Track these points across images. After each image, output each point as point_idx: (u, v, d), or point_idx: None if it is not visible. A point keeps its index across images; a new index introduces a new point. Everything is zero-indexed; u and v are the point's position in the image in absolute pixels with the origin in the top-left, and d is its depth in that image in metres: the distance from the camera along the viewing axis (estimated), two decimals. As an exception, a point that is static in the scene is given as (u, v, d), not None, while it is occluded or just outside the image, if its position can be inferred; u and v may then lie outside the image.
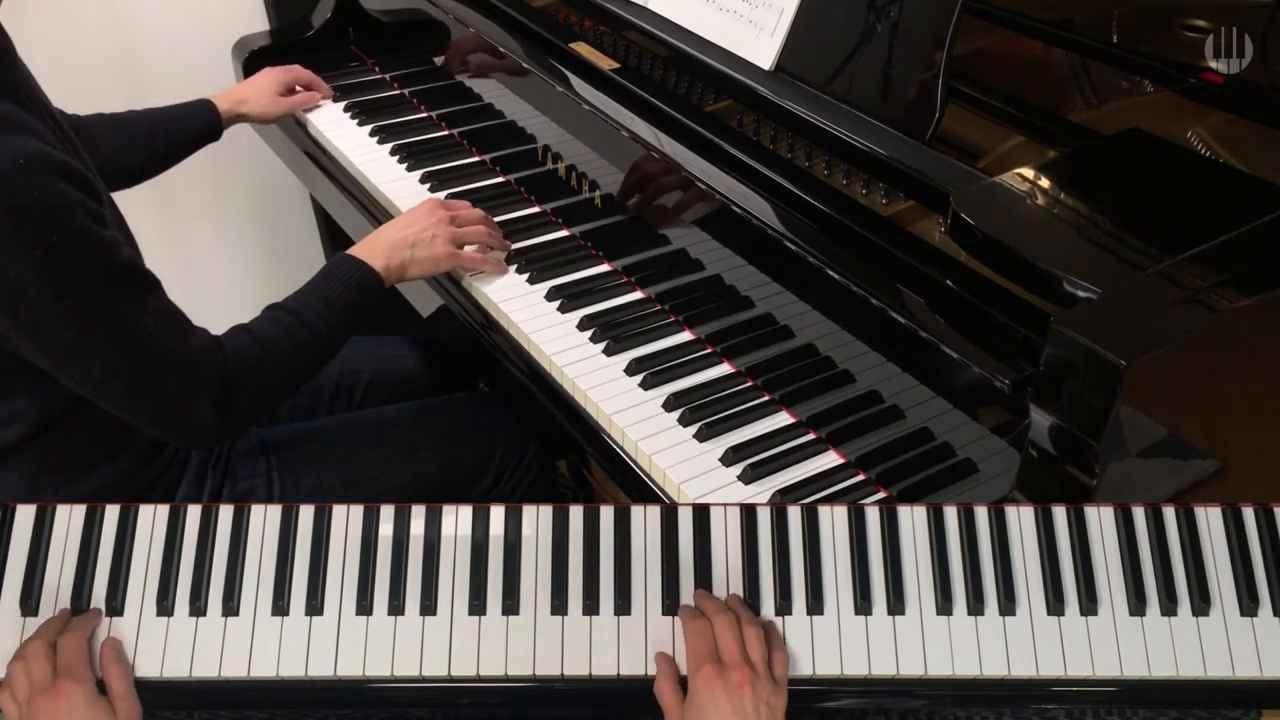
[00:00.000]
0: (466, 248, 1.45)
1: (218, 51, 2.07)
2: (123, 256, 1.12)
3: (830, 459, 1.20)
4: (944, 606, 0.98)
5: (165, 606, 1.00)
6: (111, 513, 1.03)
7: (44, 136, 1.08)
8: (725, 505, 1.02)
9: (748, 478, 1.17)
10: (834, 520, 1.01)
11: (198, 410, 1.18)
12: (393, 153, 1.76)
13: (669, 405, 1.26)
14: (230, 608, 1.00)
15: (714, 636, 0.94)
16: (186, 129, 1.69)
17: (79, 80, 2.05)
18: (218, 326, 1.24)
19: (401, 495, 1.41)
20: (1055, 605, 0.97)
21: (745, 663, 0.92)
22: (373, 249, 1.37)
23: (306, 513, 1.03)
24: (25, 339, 1.08)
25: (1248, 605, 0.97)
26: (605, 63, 1.50)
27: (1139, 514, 1.00)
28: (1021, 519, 1.00)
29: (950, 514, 1.01)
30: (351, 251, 1.38)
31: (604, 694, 0.99)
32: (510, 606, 1.00)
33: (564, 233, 1.57)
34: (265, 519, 1.03)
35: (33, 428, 1.20)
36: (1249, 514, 1.00)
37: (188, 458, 1.36)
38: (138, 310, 1.12)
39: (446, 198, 1.64)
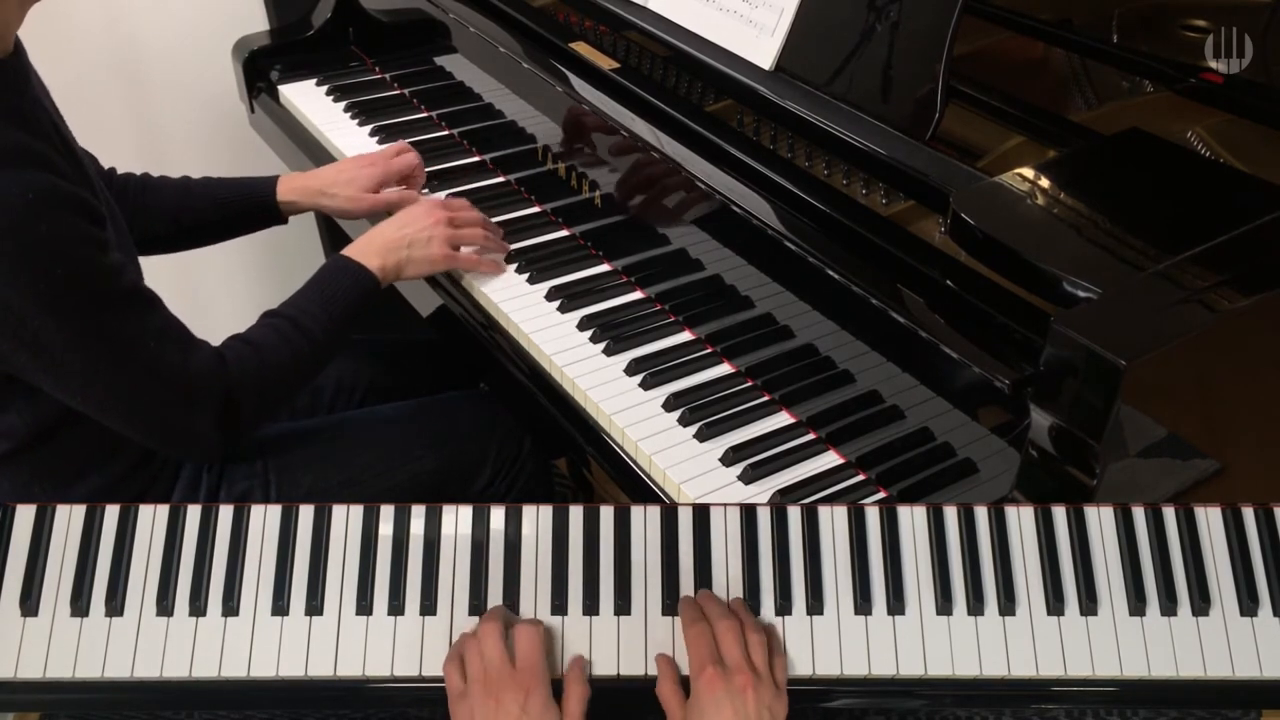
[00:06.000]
0: (464, 249, 1.45)
1: (218, 51, 2.07)
2: (125, 281, 1.13)
3: (830, 459, 1.20)
4: (944, 606, 0.97)
5: (165, 606, 1.00)
6: (111, 513, 1.03)
7: (55, 166, 1.09)
8: (725, 505, 1.02)
9: (748, 478, 1.17)
10: (834, 520, 1.01)
11: (200, 425, 1.19)
12: (393, 153, 1.76)
13: (669, 405, 1.26)
14: (230, 608, 1.00)
15: (716, 639, 0.94)
16: (239, 200, 1.57)
17: (79, 79, 2.05)
18: (216, 326, 1.24)
19: (398, 494, 1.41)
20: (1055, 605, 0.97)
21: (748, 666, 0.92)
22: (368, 248, 1.37)
23: (306, 513, 1.03)
24: (29, 364, 1.09)
25: (1248, 605, 0.97)
26: (605, 63, 1.50)
27: (1139, 514, 1.00)
28: (1021, 519, 1.00)
29: (950, 514, 1.01)
30: (347, 252, 1.37)
31: (604, 694, 0.98)
32: (510, 606, 0.99)
33: (564, 233, 1.57)
34: (265, 519, 1.03)
35: (24, 441, 1.21)
36: (1249, 514, 1.00)
37: (182, 463, 1.35)
38: (140, 332, 1.13)
39: (446, 197, 1.64)
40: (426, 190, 1.66)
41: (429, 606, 1.00)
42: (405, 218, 1.42)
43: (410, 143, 1.76)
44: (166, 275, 1.20)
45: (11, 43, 1.14)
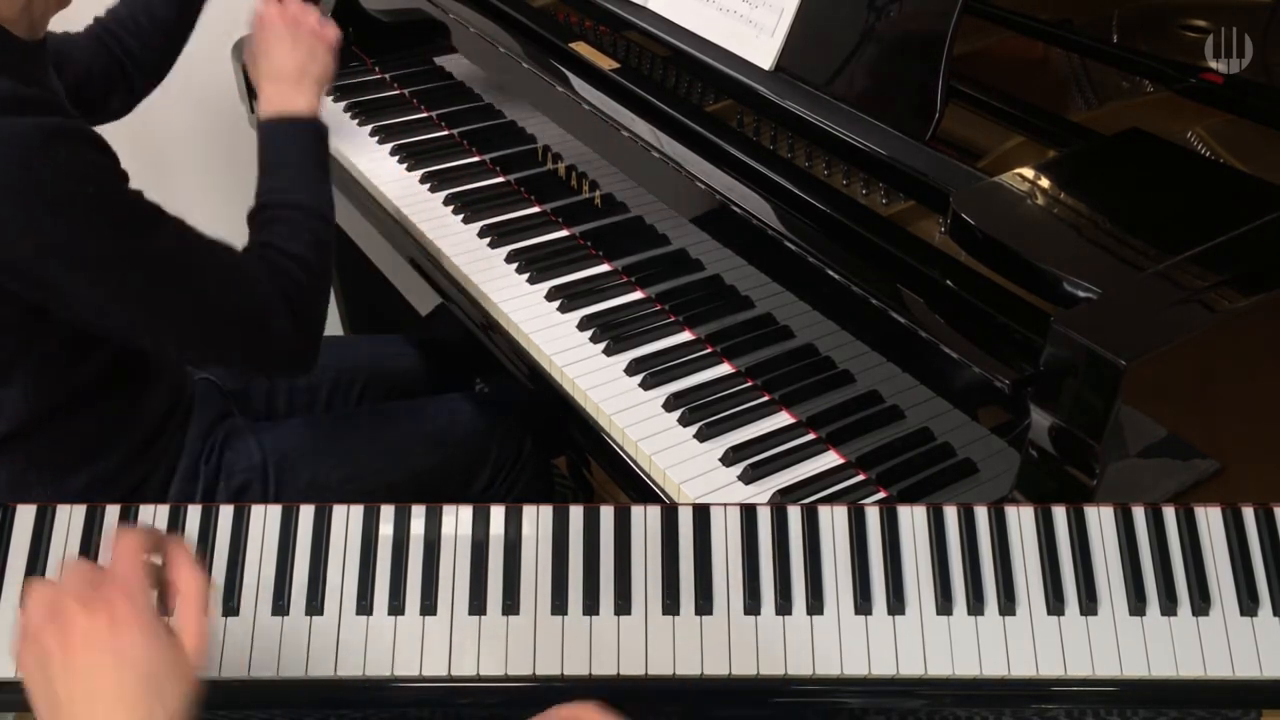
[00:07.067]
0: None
1: (218, 51, 2.06)
2: (150, 203, 1.13)
3: (830, 459, 1.20)
4: (944, 606, 0.97)
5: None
6: (112, 513, 1.03)
7: (67, 112, 1.09)
8: (725, 505, 1.02)
9: (748, 478, 1.17)
10: (834, 520, 1.01)
11: (278, 328, 1.18)
12: (393, 153, 1.76)
13: (669, 405, 1.26)
14: (230, 608, 1.00)
15: None
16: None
17: (79, 80, 2.05)
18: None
19: (398, 494, 1.40)
20: (1055, 605, 0.97)
21: None
22: (277, 95, 1.34)
23: (306, 513, 1.03)
24: (88, 296, 1.08)
25: (1248, 605, 0.97)
26: (605, 63, 1.50)
27: (1139, 514, 1.00)
28: (1021, 519, 1.00)
29: (950, 514, 1.01)
30: (269, 112, 1.33)
31: (603, 694, 0.98)
32: (510, 606, 1.00)
33: (564, 233, 1.57)
34: (265, 519, 1.03)
35: (24, 423, 1.19)
36: (1249, 514, 1.00)
37: (179, 454, 1.35)
38: (186, 246, 1.14)
39: (446, 197, 1.64)
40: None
41: (429, 606, 1.00)
42: (284, 47, 1.36)
43: (410, 143, 1.77)
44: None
45: (43, 31, 1.16)
